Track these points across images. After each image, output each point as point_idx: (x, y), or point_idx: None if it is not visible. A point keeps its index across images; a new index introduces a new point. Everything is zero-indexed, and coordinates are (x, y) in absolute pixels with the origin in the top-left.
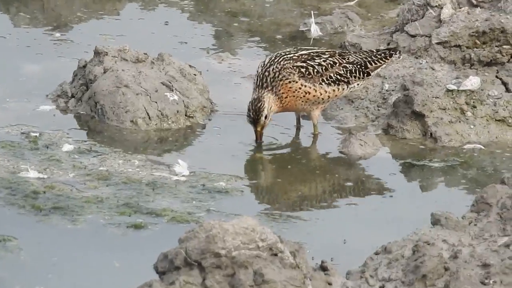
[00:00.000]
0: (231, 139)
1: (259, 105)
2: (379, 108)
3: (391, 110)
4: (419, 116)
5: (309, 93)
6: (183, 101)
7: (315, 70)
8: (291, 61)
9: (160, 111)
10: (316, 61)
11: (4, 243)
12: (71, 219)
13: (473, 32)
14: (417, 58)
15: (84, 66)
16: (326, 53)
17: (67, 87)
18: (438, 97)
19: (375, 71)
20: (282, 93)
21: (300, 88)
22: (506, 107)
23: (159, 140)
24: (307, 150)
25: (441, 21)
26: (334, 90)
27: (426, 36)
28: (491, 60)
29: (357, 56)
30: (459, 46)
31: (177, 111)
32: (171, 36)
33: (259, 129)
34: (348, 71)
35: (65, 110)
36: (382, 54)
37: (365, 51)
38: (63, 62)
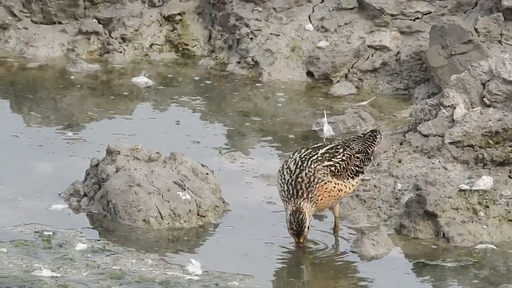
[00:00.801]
0: (244, 238)
1: (301, 217)
2: (392, 208)
3: (403, 210)
4: (431, 216)
5: (341, 190)
6: (195, 200)
7: (342, 167)
8: (319, 162)
9: (172, 210)
10: (338, 157)
11: None
12: None
13: (486, 132)
14: (429, 158)
15: (97, 165)
16: (338, 147)
17: (80, 186)
18: (450, 197)
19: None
20: (318, 195)
21: (334, 187)
22: None
23: (171, 239)
24: (319, 250)
25: (454, 121)
26: (357, 182)
27: (439, 136)
28: (504, 160)
29: (357, 145)
30: (472, 146)
31: (190, 210)
32: (183, 135)
33: (301, 240)
34: (361, 161)
35: (78, 209)
36: (371, 138)
37: (357, 138)
38: (75, 161)
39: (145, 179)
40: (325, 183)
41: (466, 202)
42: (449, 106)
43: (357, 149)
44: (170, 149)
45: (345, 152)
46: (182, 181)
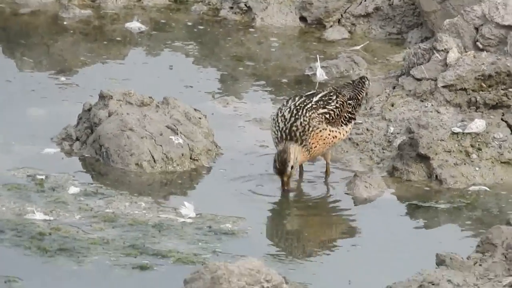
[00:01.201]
0: (236, 182)
1: (285, 156)
2: (384, 151)
3: (396, 153)
4: (424, 159)
5: (336, 136)
6: (188, 144)
7: (336, 114)
8: (314, 110)
9: (165, 154)
10: (332, 105)
11: (10, 284)
12: (77, 261)
13: (479, 76)
14: (422, 101)
15: (89, 110)
16: (331, 94)
17: (72, 130)
18: (443, 140)
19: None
20: (312, 143)
21: (329, 134)
22: (511, 149)
23: (164, 182)
24: (312, 192)
25: (447, 65)
26: (350, 128)
27: (432, 80)
28: (496, 103)
29: (348, 91)
30: (465, 89)
31: (182, 154)
32: (177, 80)
33: (285, 179)
34: (353, 107)
35: (70, 153)
36: (361, 84)
37: (345, 85)
38: (67, 106)
39: (138, 124)
40: (320, 130)
41: (459, 145)
42: (442, 50)
43: (348, 96)
44: (163, 93)
45: (338, 99)
46: (174, 125)
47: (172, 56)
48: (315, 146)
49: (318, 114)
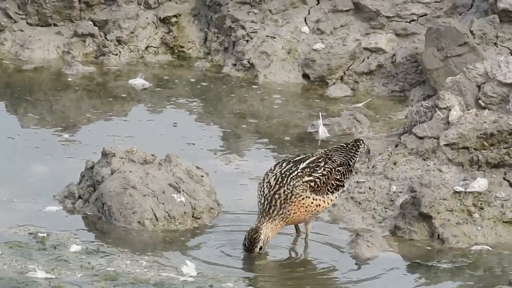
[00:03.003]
0: (238, 240)
1: (255, 236)
2: (387, 210)
3: (398, 212)
4: (426, 218)
5: (319, 205)
6: (190, 202)
7: (322, 182)
8: (299, 178)
9: (167, 212)
10: (318, 172)
11: None
12: None
13: (481, 134)
14: (424, 160)
15: (92, 167)
16: (319, 160)
17: (75, 188)
18: (445, 199)
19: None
20: (291, 210)
21: (312, 203)
22: None
23: (166, 241)
24: (314, 252)
25: (449, 123)
26: (336, 197)
27: (434, 138)
28: (499, 162)
29: (339, 156)
30: (467, 148)
31: (184, 213)
32: (179, 137)
33: (253, 256)
34: (342, 174)
35: (72, 211)
36: (354, 148)
37: (339, 148)
38: (71, 163)
39: (140, 181)
40: (303, 198)
41: (461, 204)
42: (444, 108)
43: (338, 162)
44: (166, 151)
45: (326, 166)
46: (177, 183)
47: (175, 113)
48: (295, 213)
49: (303, 182)
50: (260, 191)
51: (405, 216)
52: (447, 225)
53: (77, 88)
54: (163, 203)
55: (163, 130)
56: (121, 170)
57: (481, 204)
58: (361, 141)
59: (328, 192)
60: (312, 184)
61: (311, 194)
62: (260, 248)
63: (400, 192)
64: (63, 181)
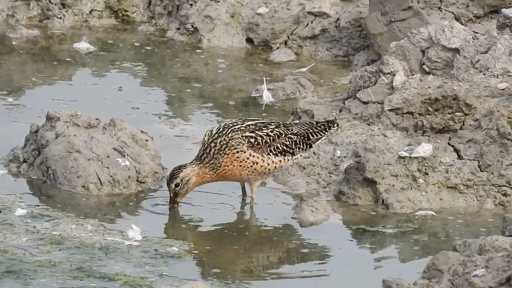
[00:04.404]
0: (183, 205)
1: (176, 171)
2: (331, 175)
3: (342, 177)
4: (370, 183)
5: (257, 163)
6: (134, 166)
7: (264, 141)
8: (239, 132)
9: (111, 176)
10: (264, 131)
11: None
12: (24, 283)
13: (425, 99)
14: (369, 124)
15: (36, 131)
16: (272, 123)
17: (19, 152)
18: (390, 164)
19: (316, 143)
20: (224, 163)
21: (248, 158)
22: (458, 174)
23: (111, 205)
24: (260, 216)
25: (393, 88)
26: (280, 161)
27: (378, 103)
28: (443, 127)
29: (300, 128)
30: (411, 113)
31: (129, 177)
32: (124, 101)
33: (171, 194)
34: (293, 142)
35: (17, 175)
36: (322, 126)
37: (306, 123)
38: (15, 127)
39: (85, 145)
40: (238, 151)
41: (405, 169)
42: (388, 73)
43: (296, 131)
44: (110, 115)
45: (276, 129)
46: (121, 148)
47: (119, 77)
48: (227, 166)
49: (241, 136)
50: (202, 139)
51: (349, 181)
52: (392, 190)
53: (21, 51)
54: (107, 167)
55: (108, 94)
56: (66, 134)
57: (425, 169)
58: (335, 124)
59: (270, 153)
60: (252, 140)
61: (247, 150)
62: (176, 185)
63: (344, 157)
64: (8, 145)
